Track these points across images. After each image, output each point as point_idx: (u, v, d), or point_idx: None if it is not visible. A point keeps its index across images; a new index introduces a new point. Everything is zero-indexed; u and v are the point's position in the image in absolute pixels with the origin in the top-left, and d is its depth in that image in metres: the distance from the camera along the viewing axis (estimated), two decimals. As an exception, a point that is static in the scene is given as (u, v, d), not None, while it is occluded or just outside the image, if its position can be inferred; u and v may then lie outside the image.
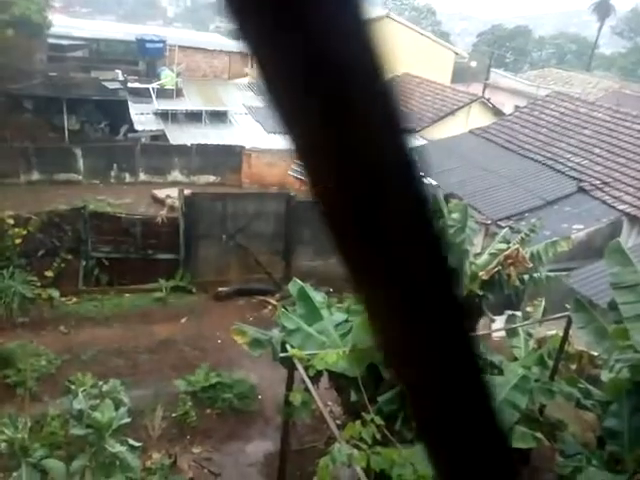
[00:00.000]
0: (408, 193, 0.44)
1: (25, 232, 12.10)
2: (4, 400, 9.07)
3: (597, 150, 15.53)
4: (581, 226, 12.70)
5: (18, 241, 12.00)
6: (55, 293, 12.15)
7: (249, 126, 23.07)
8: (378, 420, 5.72)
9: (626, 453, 6.10)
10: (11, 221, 11.98)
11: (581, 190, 14.18)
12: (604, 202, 13.55)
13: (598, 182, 14.22)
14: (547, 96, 20.29)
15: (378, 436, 5.62)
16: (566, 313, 7.71)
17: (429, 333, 0.49)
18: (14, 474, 5.45)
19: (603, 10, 52.62)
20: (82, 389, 5.88)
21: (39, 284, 11.98)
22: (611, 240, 7.85)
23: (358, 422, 5.64)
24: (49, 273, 12.38)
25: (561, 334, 7.59)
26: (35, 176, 19.23)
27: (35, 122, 23.61)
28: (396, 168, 0.43)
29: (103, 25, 37.73)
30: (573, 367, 8.04)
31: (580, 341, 7.84)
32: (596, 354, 7.65)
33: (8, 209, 12.92)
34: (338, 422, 7.29)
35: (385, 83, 0.40)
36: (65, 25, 28.90)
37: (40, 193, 18.00)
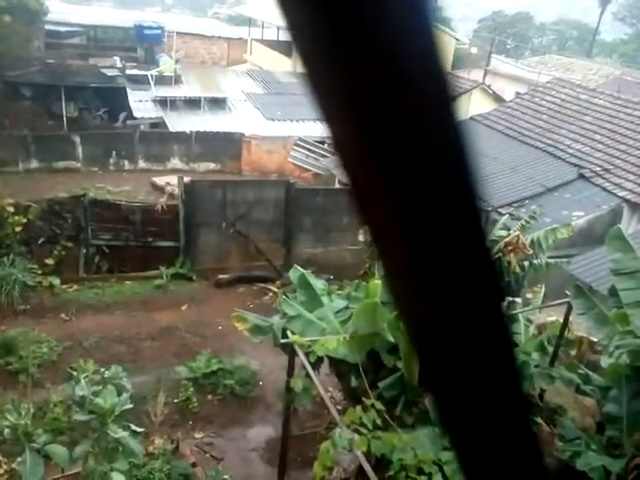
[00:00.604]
0: (460, 185, 0.44)
1: (25, 220, 12.11)
2: (7, 387, 9.13)
3: (598, 137, 15.48)
4: (581, 213, 12.70)
5: (18, 229, 12.01)
6: (56, 281, 12.18)
7: (248, 113, 22.96)
8: (379, 405, 5.75)
9: (625, 438, 6.15)
10: (11, 209, 11.98)
11: (581, 177, 14.15)
12: (604, 189, 13.52)
13: (599, 169, 14.19)
14: (548, 82, 20.18)
15: (379, 421, 5.66)
16: (566, 299, 7.73)
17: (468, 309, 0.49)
18: (18, 459, 5.50)
19: (604, -4, 52.12)
20: (84, 375, 5.89)
21: (40, 272, 12.02)
22: (611, 227, 7.86)
23: (359, 407, 5.67)
24: (50, 261, 12.40)
25: (561, 320, 7.62)
26: (34, 164, 19.18)
27: (33, 110, 23.46)
28: (452, 163, 0.43)
29: (100, 11, 37.42)
30: (573, 353, 8.08)
31: (580, 327, 7.88)
32: (596, 340, 7.69)
33: (8, 197, 12.90)
34: (339, 407, 7.33)
35: (446, 80, 0.40)
36: (62, 11, 28.67)
37: (39, 181, 17.95)
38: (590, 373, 7.08)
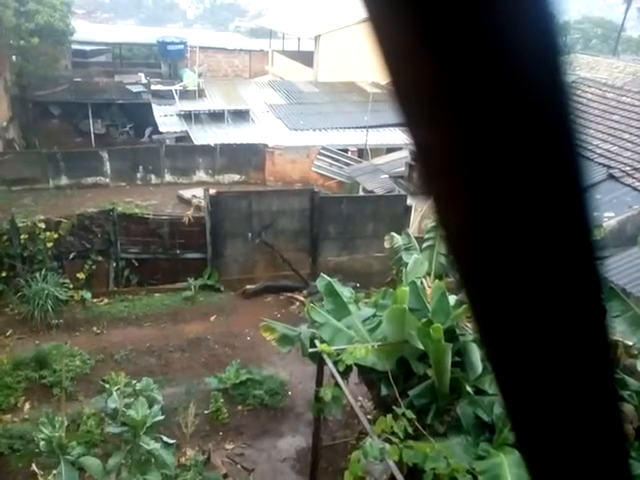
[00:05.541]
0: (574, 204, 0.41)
1: (56, 235, 12.36)
2: (41, 400, 9.30)
3: (626, 135, 15.16)
4: (612, 214, 12.43)
5: (50, 244, 12.27)
6: (87, 294, 12.39)
7: (271, 124, 23.13)
8: (409, 414, 5.69)
9: (665, 444, 5.95)
10: (42, 225, 12.25)
11: (611, 177, 13.86)
12: (635, 188, 13.23)
13: (628, 168, 13.89)
14: (572, 82, 19.87)
15: (410, 430, 5.59)
16: (599, 302, 7.55)
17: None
18: (54, 471, 5.58)
19: (629, -8, 51.22)
20: (116, 388, 5.95)
21: (71, 286, 12.24)
22: (644, 227, 7.67)
23: (389, 416, 5.61)
24: (81, 275, 12.64)
25: (594, 324, 7.43)
26: (64, 180, 19.60)
27: (62, 127, 24.11)
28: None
29: (124, 29, 38.24)
30: (608, 357, 7.88)
31: (614, 330, 7.68)
32: (631, 344, 7.49)
33: (39, 214, 13.22)
34: (369, 417, 7.26)
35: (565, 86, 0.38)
36: (87, 31, 29.38)
37: (69, 197, 18.38)
38: (627, 378, 6.90)
